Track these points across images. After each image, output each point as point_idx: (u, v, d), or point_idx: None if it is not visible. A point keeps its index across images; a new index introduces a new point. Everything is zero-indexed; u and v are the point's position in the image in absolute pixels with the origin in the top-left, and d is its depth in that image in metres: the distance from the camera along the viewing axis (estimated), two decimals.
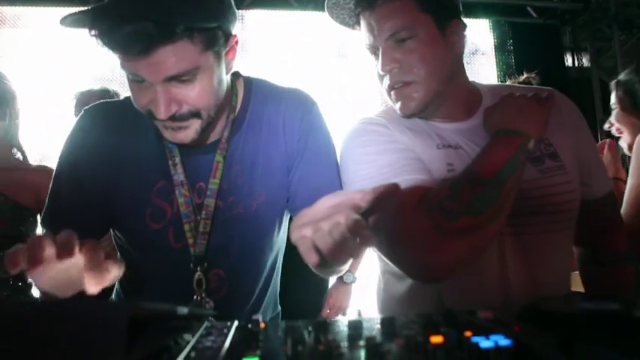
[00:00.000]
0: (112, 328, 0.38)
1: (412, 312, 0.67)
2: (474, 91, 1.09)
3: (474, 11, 4.21)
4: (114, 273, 0.69)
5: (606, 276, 1.14)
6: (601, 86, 4.80)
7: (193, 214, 0.94)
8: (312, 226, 0.63)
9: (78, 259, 0.64)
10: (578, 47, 4.91)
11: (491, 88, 1.12)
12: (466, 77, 1.09)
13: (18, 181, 1.69)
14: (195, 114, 0.85)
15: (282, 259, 1.12)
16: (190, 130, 0.86)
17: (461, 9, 1.05)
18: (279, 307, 1.17)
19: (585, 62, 5.00)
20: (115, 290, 1.09)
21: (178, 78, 0.81)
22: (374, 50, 1.01)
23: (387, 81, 1.00)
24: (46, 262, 0.63)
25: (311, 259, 0.63)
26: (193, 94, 0.83)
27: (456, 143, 1.01)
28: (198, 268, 0.92)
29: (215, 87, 0.87)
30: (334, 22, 1.09)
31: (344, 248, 0.61)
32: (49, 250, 0.63)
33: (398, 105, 1.01)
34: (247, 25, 3.93)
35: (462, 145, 1.01)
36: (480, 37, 4.32)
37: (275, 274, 1.10)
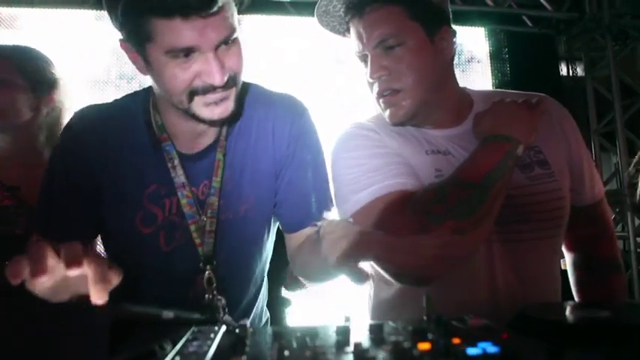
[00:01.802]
0: (96, 331, 0.38)
1: (402, 318, 0.67)
2: (465, 97, 1.10)
3: (469, 19, 4.23)
4: (115, 282, 0.68)
5: (596, 282, 1.15)
6: (595, 96, 4.83)
7: (198, 215, 0.94)
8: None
9: (83, 269, 0.63)
10: (572, 57, 4.94)
11: (483, 94, 1.13)
12: (456, 83, 1.09)
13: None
14: (235, 80, 0.87)
15: (268, 267, 1.11)
16: (230, 102, 0.87)
17: (450, 16, 1.06)
18: (268, 313, 1.16)
19: (579, 72, 5.03)
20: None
21: (226, 42, 0.83)
22: (363, 57, 1.01)
23: (375, 88, 1.00)
24: (49, 273, 0.62)
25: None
26: (235, 58, 0.85)
27: (446, 149, 1.02)
28: (208, 267, 0.92)
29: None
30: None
31: None
32: (52, 261, 0.62)
33: (387, 113, 1.01)
34: (243, 29, 3.93)
35: (451, 151, 1.01)
36: (475, 45, 4.33)
37: (264, 279, 1.10)
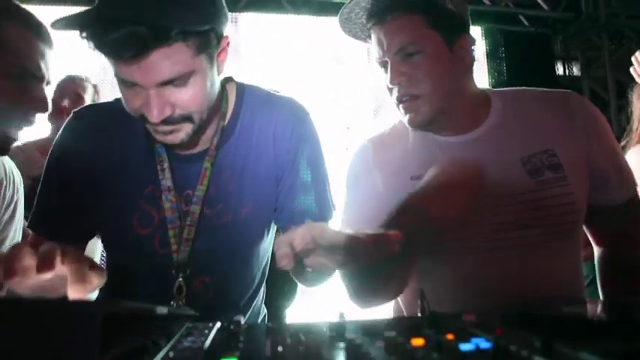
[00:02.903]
0: (86, 327, 0.37)
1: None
2: (483, 100, 1.10)
3: None
4: (97, 283, 0.67)
5: (622, 278, 1.12)
6: (591, 95, 4.85)
7: (178, 220, 0.93)
8: (328, 258, 0.71)
9: (60, 270, 0.63)
10: (568, 56, 4.96)
11: (501, 92, 1.13)
12: (475, 87, 1.10)
13: None
14: (188, 118, 0.85)
15: (268, 269, 1.11)
16: (181, 133, 0.86)
17: (470, 23, 1.07)
18: (265, 311, 1.16)
19: (576, 71, 5.05)
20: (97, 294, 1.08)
21: (172, 82, 0.80)
22: (383, 64, 1.03)
23: (395, 93, 1.02)
24: (22, 274, 0.61)
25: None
26: (187, 98, 0.82)
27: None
28: (180, 275, 0.91)
29: (208, 90, 0.86)
30: (328, 27, 1.11)
31: None
32: (28, 262, 0.61)
33: (407, 118, 1.03)
34: (241, 27, 3.93)
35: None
36: None
37: (262, 282, 1.10)
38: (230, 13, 0.93)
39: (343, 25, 1.07)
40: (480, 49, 4.40)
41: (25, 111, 0.95)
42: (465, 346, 0.45)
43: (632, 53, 1.85)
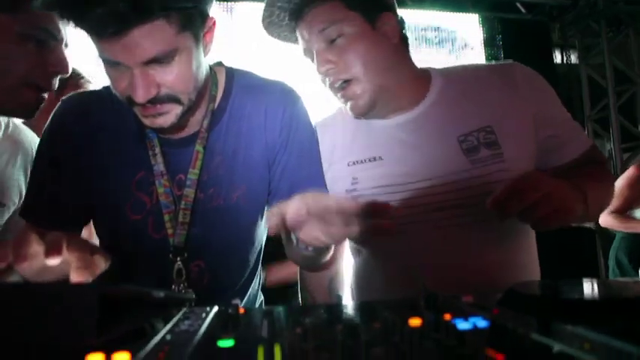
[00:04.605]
0: (82, 309, 0.37)
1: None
2: (423, 79, 1.07)
3: (463, 6, 4.22)
4: (101, 268, 0.68)
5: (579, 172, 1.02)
6: (589, 82, 4.84)
7: (173, 205, 0.92)
8: (322, 231, 0.74)
9: (65, 256, 0.63)
10: (566, 44, 4.95)
11: (446, 70, 1.11)
12: (412, 65, 1.08)
13: None
14: (175, 99, 0.84)
15: (262, 252, 1.11)
16: (170, 115, 0.85)
17: (394, 3, 1.06)
18: (262, 296, 1.16)
19: (573, 59, 5.04)
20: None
21: (156, 60, 0.78)
22: (310, 55, 1.02)
23: (328, 81, 1.01)
24: (31, 259, 0.63)
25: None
26: (172, 77, 0.81)
27: (380, 153, 1.03)
28: (178, 259, 0.91)
29: (194, 70, 0.85)
30: None
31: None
32: (36, 247, 0.63)
33: (348, 106, 1.01)
34: (236, 17, 3.90)
35: (391, 147, 1.02)
36: (469, 31, 4.33)
37: (258, 266, 1.10)
38: (225, 2, 0.92)
39: (269, 29, 1.07)
40: (477, 37, 4.38)
41: (48, 73, 0.95)
42: (463, 325, 0.45)
43: (630, 40, 1.85)
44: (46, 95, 0.98)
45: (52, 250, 0.61)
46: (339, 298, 0.57)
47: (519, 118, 1.00)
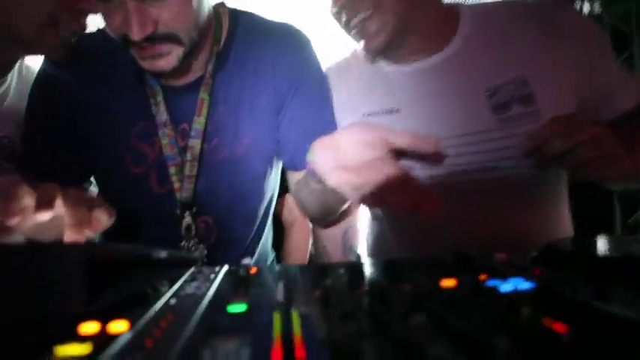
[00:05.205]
0: (68, 272, 0.32)
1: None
2: (450, 17, 0.94)
3: None
4: (103, 224, 0.63)
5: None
6: (612, 32, 4.61)
7: (179, 157, 0.87)
8: (354, 172, 0.61)
9: (59, 211, 0.58)
10: None
11: (475, 9, 0.96)
12: (438, 1, 0.94)
13: None
14: (174, 38, 0.77)
15: (274, 205, 1.06)
16: (171, 57, 0.78)
17: None
18: (273, 254, 1.12)
19: (597, 8, 4.79)
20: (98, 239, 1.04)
21: None
22: None
23: (343, 18, 0.89)
24: (23, 213, 0.57)
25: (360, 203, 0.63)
26: (169, 13, 0.74)
27: (397, 105, 0.92)
28: (187, 214, 0.87)
29: (194, 7, 0.77)
30: None
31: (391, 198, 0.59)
32: (27, 201, 0.57)
33: (362, 45, 0.90)
34: None
35: (407, 104, 0.91)
36: None
37: (268, 221, 1.05)
38: None
39: None
40: None
41: (78, 11, 0.88)
42: (506, 287, 0.40)
43: None
44: (77, 33, 0.91)
45: (42, 204, 0.56)
46: (358, 256, 0.51)
47: (562, 69, 0.86)
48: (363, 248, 1.09)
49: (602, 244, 0.60)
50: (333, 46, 1.18)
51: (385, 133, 0.63)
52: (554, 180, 0.94)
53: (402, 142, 0.62)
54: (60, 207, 0.58)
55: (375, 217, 1.06)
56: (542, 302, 0.35)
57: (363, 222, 1.09)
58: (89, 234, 0.62)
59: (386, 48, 0.89)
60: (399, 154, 0.63)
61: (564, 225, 0.97)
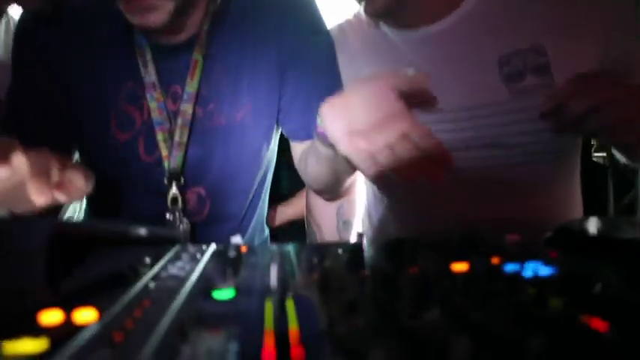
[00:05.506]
0: (28, 252, 0.28)
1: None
2: None
3: None
4: (78, 186, 0.58)
5: None
6: None
7: (168, 122, 0.81)
8: (366, 137, 0.56)
9: (21, 169, 0.53)
10: None
11: None
12: None
13: None
14: None
15: (271, 178, 1.01)
16: (161, 12, 0.70)
17: None
18: (267, 230, 1.07)
19: None
20: (84, 214, 0.99)
21: None
22: None
23: None
24: None
25: (372, 174, 0.57)
26: None
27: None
28: (174, 184, 0.81)
29: None
30: None
31: (413, 165, 0.54)
32: None
33: (363, 5, 0.82)
34: None
35: (415, 66, 0.84)
36: None
37: (264, 194, 1.00)
38: None
39: None
40: None
41: None
42: (524, 272, 0.36)
43: None
44: None
45: None
46: (360, 236, 0.47)
47: (583, 35, 0.79)
48: (361, 227, 1.05)
49: (617, 226, 0.56)
50: (339, 6, 1.10)
51: (392, 78, 0.59)
52: (567, 158, 0.89)
53: (402, 85, 0.58)
54: (22, 164, 0.52)
55: (375, 196, 1.01)
56: (570, 292, 0.31)
57: (360, 199, 1.04)
58: (61, 198, 0.56)
59: (387, 10, 0.82)
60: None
61: (576, 205, 0.93)
